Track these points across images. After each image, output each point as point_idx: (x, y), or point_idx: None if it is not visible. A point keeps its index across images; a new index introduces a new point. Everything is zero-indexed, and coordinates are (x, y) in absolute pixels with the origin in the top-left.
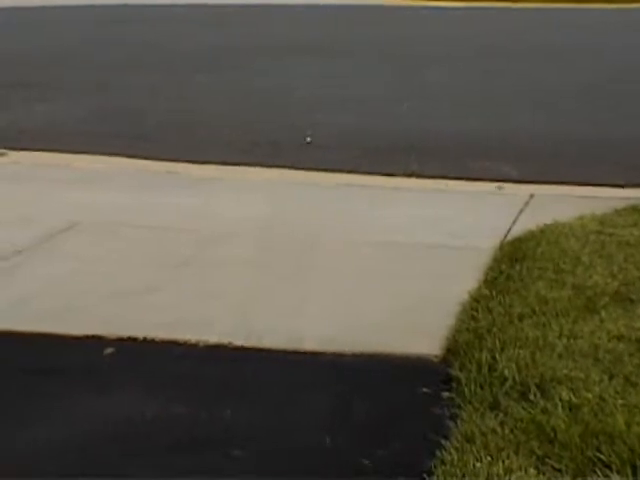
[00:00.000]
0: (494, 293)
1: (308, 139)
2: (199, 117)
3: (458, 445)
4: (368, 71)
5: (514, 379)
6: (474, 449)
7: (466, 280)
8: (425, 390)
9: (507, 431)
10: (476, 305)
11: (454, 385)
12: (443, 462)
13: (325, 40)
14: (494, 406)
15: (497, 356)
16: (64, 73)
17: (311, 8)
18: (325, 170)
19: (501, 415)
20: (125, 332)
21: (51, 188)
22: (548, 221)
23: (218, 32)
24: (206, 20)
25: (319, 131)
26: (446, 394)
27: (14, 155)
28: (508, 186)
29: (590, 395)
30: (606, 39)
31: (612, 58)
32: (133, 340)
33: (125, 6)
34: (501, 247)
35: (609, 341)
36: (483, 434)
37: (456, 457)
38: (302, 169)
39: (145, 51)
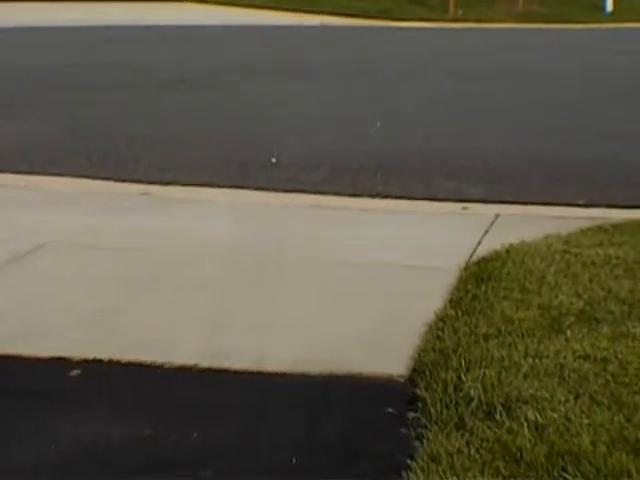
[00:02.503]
0: (460, 313)
1: (273, 159)
2: (169, 136)
3: (424, 465)
4: (336, 91)
5: (480, 399)
6: (440, 469)
7: (432, 300)
8: (391, 410)
9: (473, 451)
10: (442, 325)
11: (420, 405)
12: None
13: (294, 60)
14: (460, 426)
15: (463, 376)
16: (35, 92)
17: (278, 29)
18: (292, 191)
19: (467, 435)
20: (91, 354)
21: (19, 210)
22: (514, 241)
23: (181, 52)
24: (169, 41)
25: (287, 151)
26: (412, 414)
27: None
28: (474, 206)
29: (556, 415)
30: (576, 59)
31: (582, 78)
32: (99, 362)
33: (98, 27)
34: (467, 267)
35: (575, 361)
36: (449, 454)
37: (422, 477)
38: (269, 190)
39: (111, 71)
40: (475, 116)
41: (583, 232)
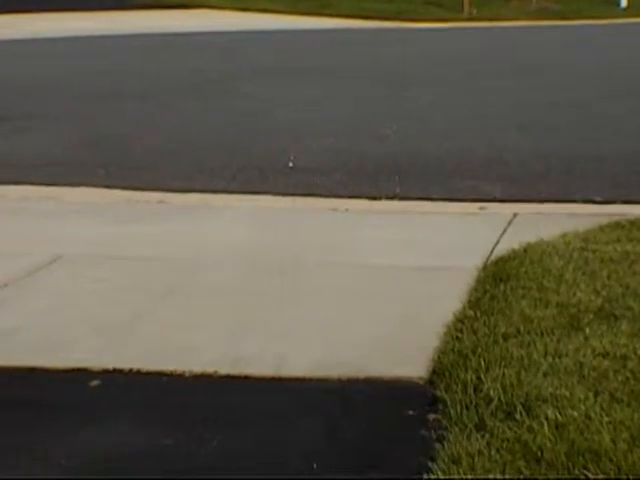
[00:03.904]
0: (478, 313)
1: (290, 164)
2: (184, 144)
3: (445, 467)
4: (352, 93)
5: (499, 399)
6: (461, 471)
7: (450, 301)
8: (411, 412)
9: (493, 452)
10: (460, 326)
11: (440, 407)
12: None
13: (309, 63)
14: (480, 427)
15: (482, 376)
16: (51, 103)
17: (294, 33)
18: (309, 195)
19: (487, 436)
20: (111, 364)
21: (39, 222)
22: (532, 240)
23: (198, 59)
24: (185, 48)
25: (303, 155)
26: (432, 416)
27: (1, 189)
28: (492, 206)
29: (576, 413)
30: (591, 55)
31: (598, 75)
32: (119, 372)
33: (106, 37)
34: (485, 267)
35: (594, 358)
36: (470, 455)
37: (443, 479)
38: (286, 194)
39: (128, 80)
40: (492, 114)
41: (601, 229)
